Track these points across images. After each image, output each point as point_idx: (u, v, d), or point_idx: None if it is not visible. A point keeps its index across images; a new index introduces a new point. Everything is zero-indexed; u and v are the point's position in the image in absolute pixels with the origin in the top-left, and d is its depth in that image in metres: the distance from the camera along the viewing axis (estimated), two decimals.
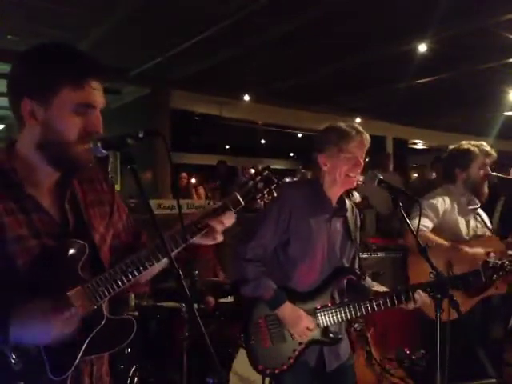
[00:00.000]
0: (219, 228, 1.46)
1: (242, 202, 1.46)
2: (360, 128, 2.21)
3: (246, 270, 2.21)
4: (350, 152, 2.16)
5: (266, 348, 2.21)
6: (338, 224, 2.30)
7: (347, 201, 2.35)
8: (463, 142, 3.12)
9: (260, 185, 1.48)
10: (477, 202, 3.10)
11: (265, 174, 1.50)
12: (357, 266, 2.41)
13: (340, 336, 2.27)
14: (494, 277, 2.58)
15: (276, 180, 1.51)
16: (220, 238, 1.49)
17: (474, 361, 2.98)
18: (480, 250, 2.80)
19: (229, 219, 1.47)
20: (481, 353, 3.02)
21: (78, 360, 1.28)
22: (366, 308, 2.17)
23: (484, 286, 2.90)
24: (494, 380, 2.62)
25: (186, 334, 3.23)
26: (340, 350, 2.31)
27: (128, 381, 3.28)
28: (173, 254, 1.37)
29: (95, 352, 1.36)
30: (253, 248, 2.21)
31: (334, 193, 2.27)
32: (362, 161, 2.18)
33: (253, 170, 1.49)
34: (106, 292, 1.31)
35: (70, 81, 1.26)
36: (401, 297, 2.13)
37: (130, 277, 1.34)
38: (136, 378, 3.32)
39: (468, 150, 3.05)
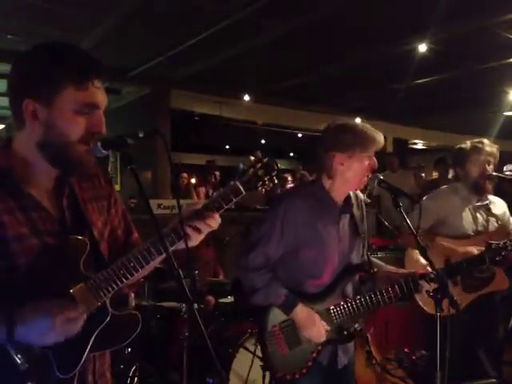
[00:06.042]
0: (204, 229, 1.39)
1: (243, 190, 1.40)
2: (376, 130, 2.20)
3: (253, 279, 2.19)
4: (369, 154, 2.16)
5: (283, 355, 2.19)
6: (345, 222, 2.27)
7: (351, 193, 2.31)
8: (466, 142, 3.15)
9: (260, 172, 1.43)
10: (488, 197, 3.12)
11: (265, 160, 1.45)
12: (365, 257, 2.37)
13: (353, 332, 2.25)
14: (497, 258, 2.62)
15: (276, 167, 1.45)
16: (197, 241, 1.42)
17: (474, 361, 2.98)
18: (471, 249, 2.81)
19: (213, 220, 1.39)
20: (481, 353, 3.02)
21: (84, 357, 1.28)
22: (378, 301, 2.17)
23: (484, 282, 2.93)
24: (493, 380, 2.62)
25: (186, 334, 3.23)
26: (350, 347, 2.32)
27: (128, 381, 3.28)
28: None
29: (101, 348, 1.36)
30: (254, 258, 2.19)
31: (341, 193, 2.24)
32: (376, 162, 2.18)
33: (252, 158, 1.43)
34: (110, 288, 1.30)
35: (74, 80, 1.25)
36: (410, 289, 2.12)
37: (133, 271, 1.33)
38: (136, 378, 3.32)
39: (461, 149, 3.12)
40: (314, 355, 2.20)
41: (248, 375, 3.13)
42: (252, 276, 2.19)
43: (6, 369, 1.19)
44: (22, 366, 1.19)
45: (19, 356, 1.19)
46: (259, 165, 1.44)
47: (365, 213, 2.41)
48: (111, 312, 1.34)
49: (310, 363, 2.19)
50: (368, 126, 2.21)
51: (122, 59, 7.13)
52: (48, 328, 1.18)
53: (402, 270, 2.28)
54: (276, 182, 1.47)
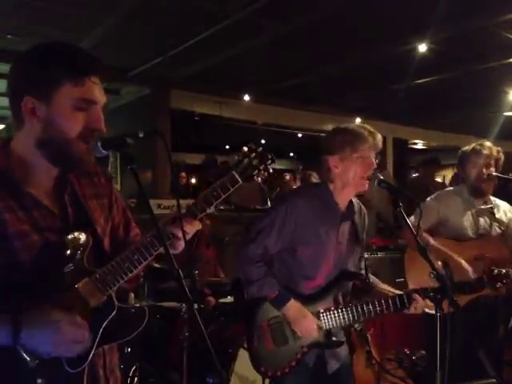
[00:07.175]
0: (181, 236, 1.38)
1: (240, 180, 1.43)
2: (371, 128, 2.18)
3: (250, 271, 2.20)
4: (363, 153, 2.13)
5: (269, 350, 2.20)
6: (345, 228, 2.27)
7: (354, 201, 2.31)
8: (471, 144, 3.17)
9: (255, 161, 1.46)
10: (492, 201, 3.13)
11: (259, 150, 1.49)
12: (362, 266, 2.39)
13: (342, 340, 2.27)
14: (498, 285, 2.60)
15: (270, 156, 1.49)
16: (180, 248, 1.43)
17: (474, 361, 2.98)
18: (463, 263, 2.83)
19: (192, 226, 1.40)
20: (481, 353, 3.02)
21: (93, 351, 1.28)
22: (369, 312, 2.16)
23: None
24: (493, 380, 2.61)
25: (186, 334, 3.23)
26: (340, 352, 2.31)
27: (128, 381, 3.28)
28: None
29: (109, 341, 1.37)
30: (253, 249, 2.20)
31: (344, 196, 2.23)
32: (374, 161, 2.16)
33: (246, 148, 1.48)
34: (115, 281, 1.31)
35: (71, 76, 1.26)
36: (404, 303, 2.13)
37: (137, 264, 1.34)
38: (136, 378, 3.32)
39: (462, 151, 3.17)
40: (299, 356, 2.20)
41: (248, 375, 3.13)
42: (250, 268, 2.20)
43: (16, 366, 1.19)
44: (31, 362, 1.19)
45: (27, 353, 1.19)
46: (254, 154, 1.48)
47: (366, 222, 2.40)
48: (117, 305, 1.35)
49: (293, 363, 2.19)
50: (365, 126, 2.20)
51: (122, 59, 7.13)
52: (56, 346, 1.19)
53: (396, 291, 2.26)
54: (271, 171, 1.50)
